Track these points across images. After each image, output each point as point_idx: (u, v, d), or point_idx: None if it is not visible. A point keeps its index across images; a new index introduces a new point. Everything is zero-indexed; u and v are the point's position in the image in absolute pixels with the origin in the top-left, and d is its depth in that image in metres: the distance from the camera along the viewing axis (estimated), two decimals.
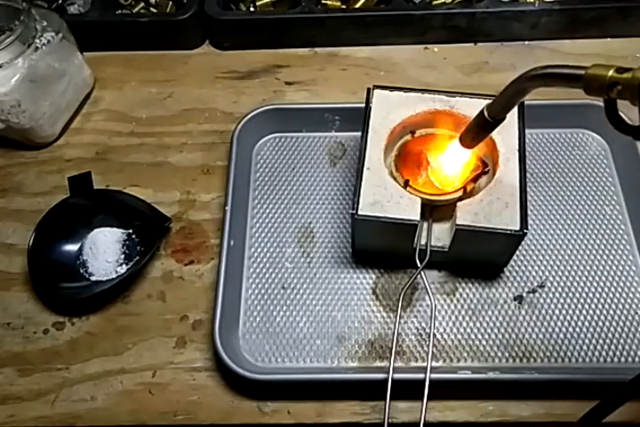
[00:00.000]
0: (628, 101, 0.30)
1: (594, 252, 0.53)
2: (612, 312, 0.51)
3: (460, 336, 0.50)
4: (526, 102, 0.51)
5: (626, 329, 0.50)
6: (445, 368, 0.48)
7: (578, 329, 0.50)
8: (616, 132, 0.32)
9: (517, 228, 0.46)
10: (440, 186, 0.50)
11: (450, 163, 0.50)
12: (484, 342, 0.50)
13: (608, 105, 0.32)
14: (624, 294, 0.51)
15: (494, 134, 0.50)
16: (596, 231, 0.55)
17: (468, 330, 0.50)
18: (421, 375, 0.44)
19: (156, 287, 0.54)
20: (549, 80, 0.35)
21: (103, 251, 0.54)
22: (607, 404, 0.34)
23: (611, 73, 0.31)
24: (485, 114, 0.41)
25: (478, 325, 0.50)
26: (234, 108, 0.64)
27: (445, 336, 0.50)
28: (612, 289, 0.52)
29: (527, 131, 0.50)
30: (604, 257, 0.53)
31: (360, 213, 0.47)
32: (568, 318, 0.50)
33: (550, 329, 0.50)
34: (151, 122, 0.64)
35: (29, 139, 0.61)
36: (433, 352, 0.49)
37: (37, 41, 0.56)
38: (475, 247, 0.49)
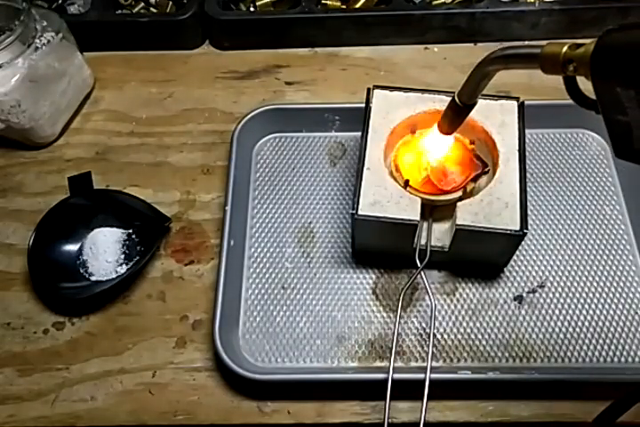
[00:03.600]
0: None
1: (594, 252, 0.53)
2: (612, 312, 0.51)
3: (460, 336, 0.50)
4: (526, 102, 0.51)
5: (626, 329, 0.50)
6: (445, 368, 0.48)
7: (578, 329, 0.50)
8: None
9: (517, 228, 0.46)
10: (440, 186, 0.49)
11: (450, 163, 0.50)
12: (483, 342, 0.50)
13: (567, 82, 0.32)
14: (624, 294, 0.51)
15: (494, 134, 0.50)
16: (596, 231, 0.54)
17: (468, 330, 0.50)
18: (421, 375, 0.44)
19: (156, 287, 0.54)
20: (509, 61, 0.35)
21: (103, 251, 0.54)
22: (621, 403, 0.33)
23: (564, 49, 0.31)
24: (457, 100, 0.41)
25: (478, 325, 0.50)
26: (234, 108, 0.64)
27: (445, 336, 0.50)
28: (612, 289, 0.52)
29: (527, 131, 0.50)
30: (604, 257, 0.53)
31: (360, 213, 0.47)
32: (568, 318, 0.50)
33: (550, 329, 0.50)
34: (151, 122, 0.64)
35: (29, 139, 0.61)
36: (433, 352, 0.49)
37: (37, 41, 0.56)
38: (475, 247, 0.49)
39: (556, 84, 0.34)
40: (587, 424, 0.45)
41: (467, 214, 0.46)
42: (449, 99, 0.51)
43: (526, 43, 0.67)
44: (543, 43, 0.32)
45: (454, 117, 0.43)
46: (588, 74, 0.29)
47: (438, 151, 0.50)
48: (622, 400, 0.33)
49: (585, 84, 0.31)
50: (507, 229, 0.46)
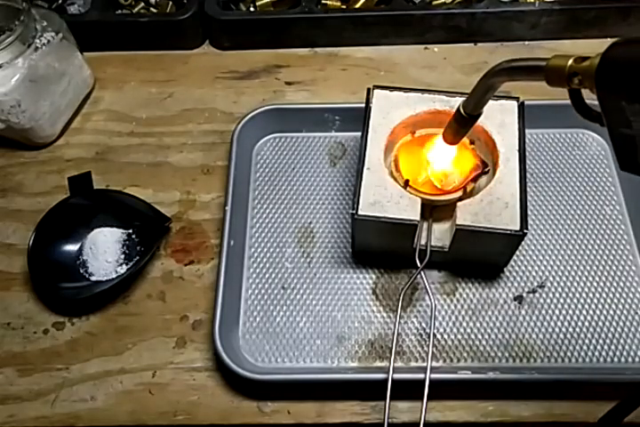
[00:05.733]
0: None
1: (594, 252, 0.53)
2: (611, 312, 0.51)
3: (460, 336, 0.50)
4: (526, 102, 0.51)
5: (626, 329, 0.50)
6: (445, 368, 0.48)
7: (578, 329, 0.50)
8: None
9: (517, 228, 0.46)
10: (440, 186, 0.50)
11: (450, 163, 0.50)
12: (483, 342, 0.50)
13: (573, 95, 0.32)
14: (624, 294, 0.51)
15: (494, 134, 0.50)
16: (596, 231, 0.54)
17: (468, 330, 0.50)
18: (421, 375, 0.44)
19: (156, 287, 0.54)
20: (514, 74, 0.35)
21: (103, 251, 0.54)
22: (627, 404, 0.33)
23: (570, 63, 0.30)
24: (461, 110, 0.41)
25: (478, 325, 0.50)
26: (234, 108, 0.64)
27: (445, 336, 0.50)
28: (612, 289, 0.52)
29: (527, 131, 0.50)
30: (604, 257, 0.53)
31: (360, 213, 0.47)
32: (568, 318, 0.50)
33: (550, 329, 0.50)
34: (151, 122, 0.64)
35: (29, 139, 0.61)
36: (433, 352, 0.49)
37: (37, 41, 0.56)
38: (475, 247, 0.49)
39: None
40: (591, 424, 0.45)
41: (467, 214, 0.47)
42: (449, 99, 0.52)
43: (526, 43, 0.68)
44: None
45: (459, 128, 0.43)
46: (593, 87, 0.29)
47: (442, 160, 0.50)
48: (628, 400, 0.33)
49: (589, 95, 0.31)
50: (507, 229, 0.46)
